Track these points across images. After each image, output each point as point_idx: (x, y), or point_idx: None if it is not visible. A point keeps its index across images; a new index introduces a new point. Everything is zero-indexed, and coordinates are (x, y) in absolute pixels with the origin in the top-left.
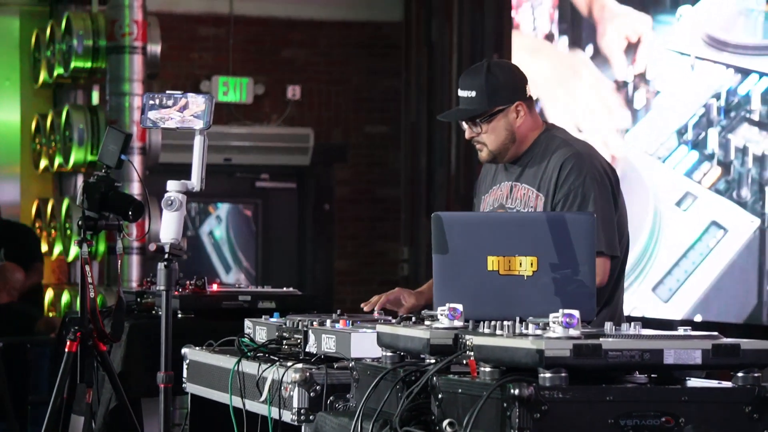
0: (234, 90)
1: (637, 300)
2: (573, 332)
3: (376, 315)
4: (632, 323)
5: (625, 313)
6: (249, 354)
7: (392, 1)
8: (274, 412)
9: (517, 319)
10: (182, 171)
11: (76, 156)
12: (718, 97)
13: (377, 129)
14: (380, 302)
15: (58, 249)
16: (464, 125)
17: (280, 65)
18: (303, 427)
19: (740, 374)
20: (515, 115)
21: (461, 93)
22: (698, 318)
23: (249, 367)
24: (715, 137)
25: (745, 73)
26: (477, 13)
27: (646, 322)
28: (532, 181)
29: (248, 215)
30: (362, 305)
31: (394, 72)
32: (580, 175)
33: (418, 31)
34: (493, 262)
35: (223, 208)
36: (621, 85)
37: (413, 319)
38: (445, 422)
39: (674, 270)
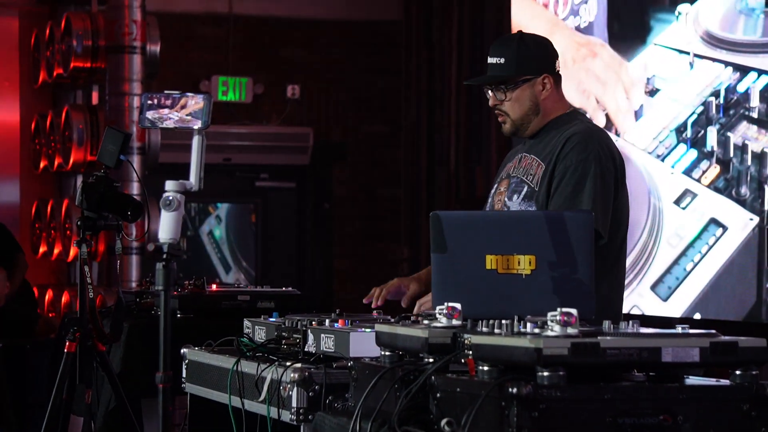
0: (233, 89)
1: (636, 298)
2: (571, 331)
3: (374, 314)
4: (630, 321)
5: (625, 312)
6: (248, 354)
7: (391, 0)
8: (273, 412)
9: (516, 317)
10: (182, 171)
11: (75, 156)
12: (717, 94)
13: (377, 128)
14: (382, 295)
15: (57, 249)
16: (488, 93)
17: (279, 64)
18: (302, 427)
19: (738, 372)
20: (541, 87)
21: (490, 60)
22: (697, 316)
23: (248, 366)
24: (714, 135)
25: (744, 70)
26: (477, 12)
27: (645, 320)
28: (539, 151)
29: (249, 215)
30: (364, 300)
31: (393, 71)
32: (584, 151)
33: (418, 30)
34: (491, 261)
35: (222, 208)
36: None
37: (411, 318)
38: (444, 421)
39: (673, 268)
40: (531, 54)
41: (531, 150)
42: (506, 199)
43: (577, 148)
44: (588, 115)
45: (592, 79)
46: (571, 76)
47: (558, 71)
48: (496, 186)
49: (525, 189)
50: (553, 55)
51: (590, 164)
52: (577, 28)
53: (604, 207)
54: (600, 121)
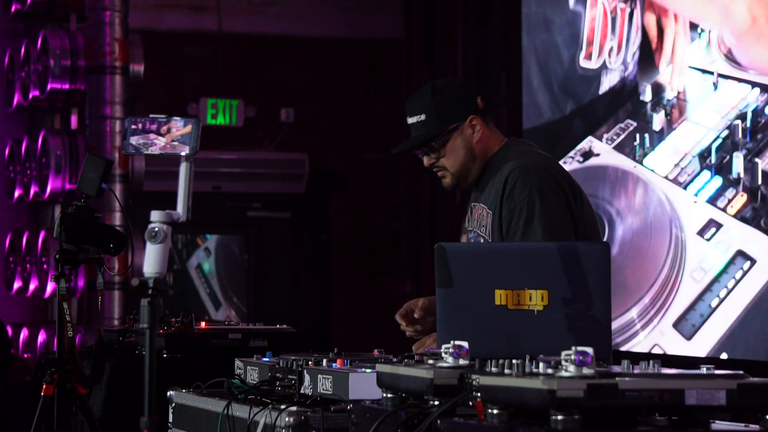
0: (223, 113)
1: (657, 336)
2: (587, 371)
3: (375, 353)
4: (651, 361)
5: (645, 351)
6: (240, 396)
7: (392, 18)
8: None
9: (527, 357)
10: (168, 200)
11: (53, 184)
12: (743, 117)
13: (376, 155)
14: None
15: (33, 285)
16: (420, 155)
17: (272, 86)
18: None
19: None
20: (471, 130)
21: (410, 120)
22: (724, 356)
23: (240, 410)
24: (740, 161)
25: None
26: (482, 31)
27: (668, 360)
28: (484, 199)
29: (240, 247)
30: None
31: (394, 94)
32: (524, 189)
33: (420, 50)
34: (500, 296)
35: (212, 240)
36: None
37: (416, 357)
38: None
39: (697, 304)
40: (450, 100)
41: (479, 198)
42: None
43: (517, 186)
44: None
45: None
46: None
47: (482, 108)
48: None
49: (482, 243)
50: (471, 93)
51: (534, 201)
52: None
53: (561, 239)
54: None
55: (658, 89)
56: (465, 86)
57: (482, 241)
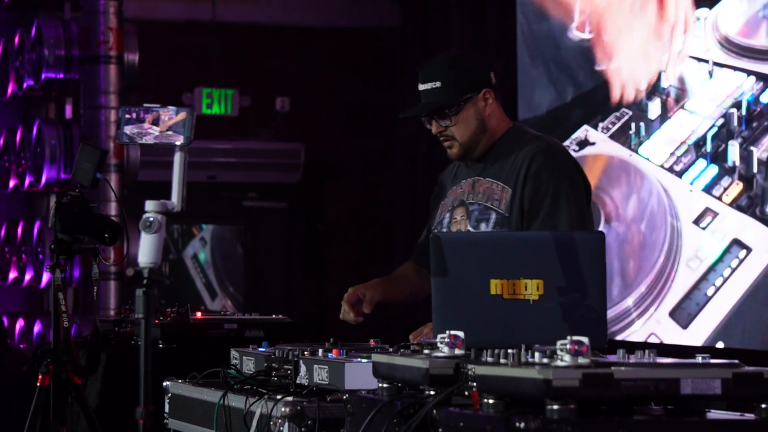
0: (218, 102)
1: (653, 325)
2: (582, 360)
3: (371, 343)
4: (647, 351)
5: (641, 340)
6: (235, 386)
7: (387, 6)
8: None
9: (523, 346)
10: (163, 190)
11: (47, 174)
12: (738, 106)
13: (372, 144)
14: (351, 309)
15: (29, 275)
16: (428, 123)
17: (267, 75)
18: None
19: (764, 405)
20: (484, 102)
21: (423, 86)
22: (720, 345)
23: (235, 400)
24: (735, 149)
25: (767, 80)
26: (478, 19)
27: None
28: (496, 173)
29: (236, 237)
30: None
31: (389, 83)
32: (554, 171)
33: (415, 39)
34: (496, 286)
35: (207, 230)
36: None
37: (411, 347)
38: None
39: (693, 293)
40: (467, 71)
41: (485, 173)
42: (470, 228)
43: (544, 168)
44: None
45: None
46: None
47: (495, 83)
48: (448, 215)
49: (494, 216)
50: (487, 66)
51: (562, 185)
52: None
53: (582, 226)
54: None
55: (654, 77)
56: (481, 59)
57: (493, 215)
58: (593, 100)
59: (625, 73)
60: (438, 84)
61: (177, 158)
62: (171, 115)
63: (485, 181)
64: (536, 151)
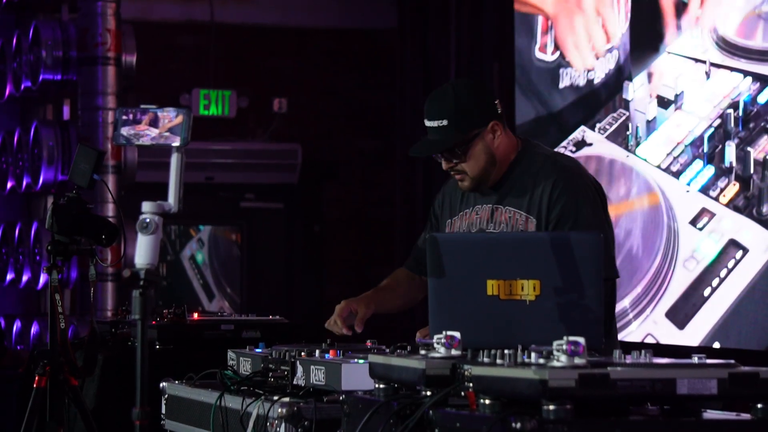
0: (216, 103)
1: (650, 326)
2: (578, 361)
3: (368, 344)
4: (643, 351)
5: (638, 340)
6: (232, 387)
7: (385, 7)
8: None
9: (519, 347)
10: (161, 191)
11: (45, 175)
12: (735, 106)
13: (370, 144)
14: (342, 323)
15: (26, 276)
16: (439, 158)
17: (265, 76)
18: None
19: (760, 405)
20: (492, 135)
21: (429, 123)
22: (716, 345)
23: (232, 401)
24: (732, 150)
25: (764, 80)
26: (477, 19)
27: (660, 350)
28: (518, 203)
29: (234, 238)
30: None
31: (387, 83)
32: (572, 195)
33: (413, 40)
34: (492, 286)
35: (205, 231)
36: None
37: (408, 348)
38: None
39: (690, 293)
40: (472, 105)
41: (504, 202)
42: None
43: (563, 194)
44: None
45: None
46: None
47: (500, 112)
48: None
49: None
50: (491, 96)
51: (581, 208)
52: None
53: (606, 247)
54: None
55: (650, 78)
56: (485, 90)
57: None
58: (590, 100)
59: (625, 72)
60: (445, 122)
61: (174, 159)
62: (168, 117)
63: (506, 211)
64: (555, 176)
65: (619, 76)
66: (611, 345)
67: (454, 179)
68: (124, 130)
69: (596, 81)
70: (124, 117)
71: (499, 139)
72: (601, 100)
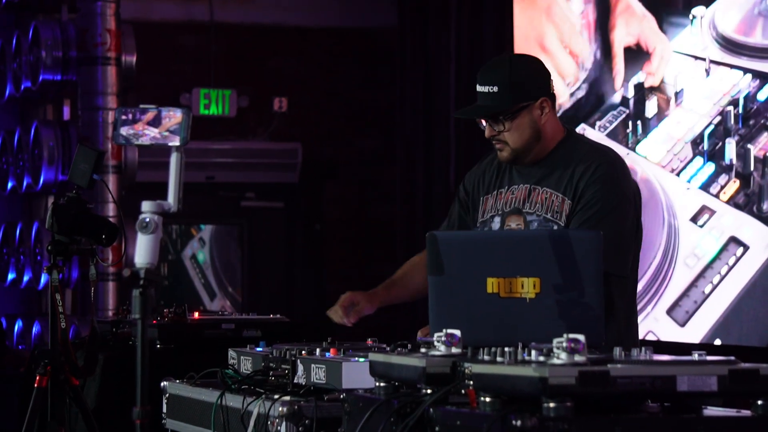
0: (216, 103)
1: (651, 323)
2: (579, 358)
3: (369, 342)
4: (643, 348)
5: (639, 337)
6: (233, 386)
7: (386, 6)
8: None
9: (519, 344)
10: (162, 190)
11: (45, 176)
12: (735, 104)
13: (370, 143)
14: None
15: (27, 276)
16: (482, 123)
17: (265, 76)
18: None
19: (760, 402)
20: (540, 111)
21: (480, 88)
22: (717, 342)
23: (233, 400)
24: (732, 147)
25: (764, 77)
26: (477, 19)
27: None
28: (556, 184)
29: (234, 237)
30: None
31: (387, 82)
32: (607, 184)
33: (414, 38)
34: (492, 284)
35: (206, 230)
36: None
37: (408, 346)
38: None
39: (691, 291)
40: (526, 78)
41: (542, 183)
42: None
43: (600, 181)
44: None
45: None
46: None
47: (553, 92)
48: (499, 219)
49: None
50: (547, 75)
51: (613, 199)
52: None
53: (625, 244)
54: None
55: (650, 76)
56: (542, 68)
57: (555, 227)
58: (590, 98)
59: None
60: (495, 89)
61: (173, 159)
62: (168, 116)
63: (543, 191)
64: (597, 163)
65: (618, 74)
66: (630, 342)
67: (491, 156)
68: (124, 130)
69: (596, 79)
70: (124, 117)
71: (546, 117)
72: (601, 98)
